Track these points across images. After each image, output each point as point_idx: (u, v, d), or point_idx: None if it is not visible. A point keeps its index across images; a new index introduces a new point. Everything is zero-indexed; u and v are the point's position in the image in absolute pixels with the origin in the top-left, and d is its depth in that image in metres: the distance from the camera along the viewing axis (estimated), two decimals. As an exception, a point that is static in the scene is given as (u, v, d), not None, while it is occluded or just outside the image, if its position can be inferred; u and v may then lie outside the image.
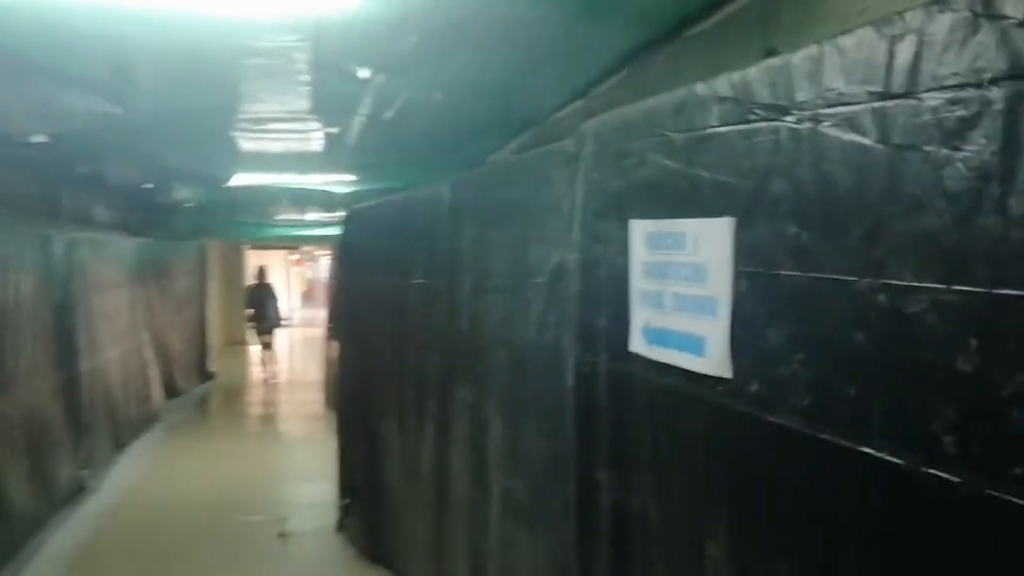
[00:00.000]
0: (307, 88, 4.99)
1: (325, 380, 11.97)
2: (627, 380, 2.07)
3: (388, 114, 5.96)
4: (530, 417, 2.85)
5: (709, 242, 1.73)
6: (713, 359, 1.72)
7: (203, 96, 5.30)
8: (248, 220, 12.73)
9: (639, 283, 1.99)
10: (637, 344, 2.01)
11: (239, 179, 7.93)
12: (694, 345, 1.78)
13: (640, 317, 1.99)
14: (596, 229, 2.21)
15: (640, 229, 1.98)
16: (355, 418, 5.45)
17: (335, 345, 6.36)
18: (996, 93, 1.13)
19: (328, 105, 5.63)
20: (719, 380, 1.70)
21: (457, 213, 3.58)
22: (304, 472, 7.93)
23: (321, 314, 22.86)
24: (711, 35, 3.17)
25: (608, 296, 2.16)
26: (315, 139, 6.86)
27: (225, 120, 5.85)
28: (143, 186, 7.44)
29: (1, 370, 5.45)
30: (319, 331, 21.08)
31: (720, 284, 1.69)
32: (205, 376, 13.22)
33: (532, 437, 2.83)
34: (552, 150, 2.63)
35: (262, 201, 10.54)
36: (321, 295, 24.50)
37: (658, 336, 1.92)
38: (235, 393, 13.21)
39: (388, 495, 4.77)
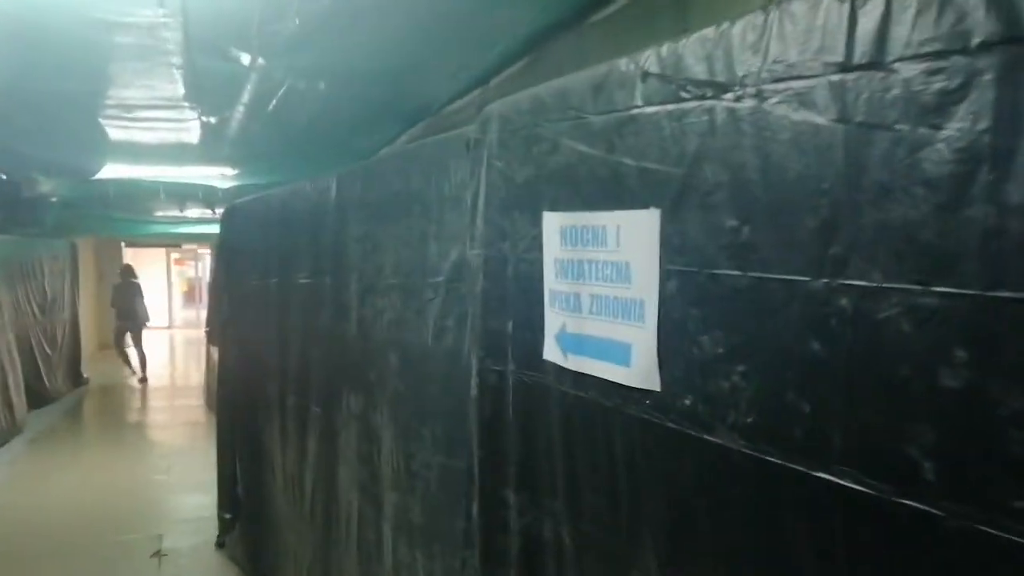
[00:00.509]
0: (180, 72, 4.60)
1: (206, 384, 11.42)
2: (539, 391, 1.85)
3: (270, 104, 5.61)
4: (427, 429, 2.61)
5: (633, 237, 1.53)
6: (639, 369, 1.52)
7: (61, 77, 4.83)
8: (123, 216, 11.97)
9: (553, 283, 1.78)
10: (551, 351, 1.80)
11: (110, 171, 7.36)
12: (617, 353, 1.58)
13: (555, 321, 1.78)
14: (502, 223, 1.99)
15: (554, 223, 1.77)
16: (236, 427, 5.09)
17: (215, 349, 5.92)
18: (986, 61, 0.97)
19: (204, 92, 5.24)
20: (646, 393, 1.50)
21: (344, 207, 3.30)
22: (183, 484, 7.45)
23: (201, 314, 21.99)
24: (619, 19, 2.99)
25: (517, 297, 1.94)
26: (191, 129, 6.42)
27: (90, 106, 5.38)
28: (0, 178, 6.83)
29: None
30: (201, 332, 20.29)
31: (646, 284, 1.50)
32: (77, 382, 12.41)
33: (429, 452, 2.59)
34: (451, 137, 2.40)
35: (137, 196, 9.91)
36: (203, 295, 23.56)
37: (575, 343, 1.71)
38: (110, 399, 12.45)
39: (271, 510, 4.44)
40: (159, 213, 11.60)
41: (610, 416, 1.61)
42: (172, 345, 19.82)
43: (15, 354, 9.63)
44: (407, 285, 2.73)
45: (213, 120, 6.13)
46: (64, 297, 12.43)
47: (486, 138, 2.06)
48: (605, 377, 1.61)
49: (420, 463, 2.65)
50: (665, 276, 1.46)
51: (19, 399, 9.46)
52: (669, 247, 1.45)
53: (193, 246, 21.53)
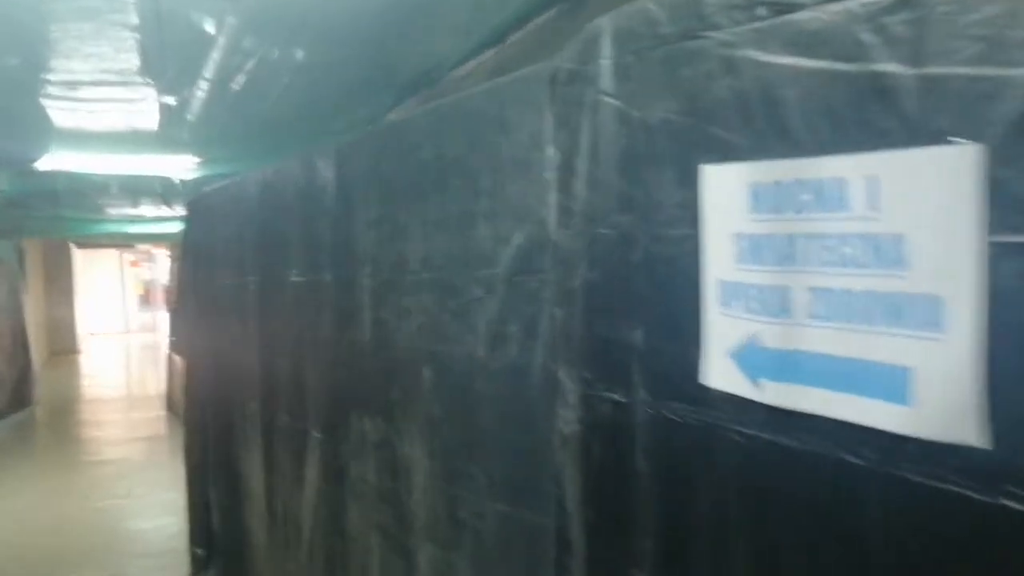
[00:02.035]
0: (134, 38, 3.92)
1: (168, 392, 10.68)
2: (698, 434, 1.25)
3: (237, 78, 4.93)
4: (479, 467, 1.99)
5: (913, 193, 0.93)
6: (932, 410, 0.92)
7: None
8: (73, 215, 11.12)
9: (731, 271, 1.18)
10: (724, 375, 1.20)
11: (56, 162, 6.59)
12: (879, 383, 0.98)
13: (732, 329, 1.18)
14: (622, 186, 1.38)
15: (731, 179, 1.16)
16: (209, 449, 4.42)
17: (180, 360, 5.22)
18: None
19: (162, 64, 4.55)
20: (948, 451, 0.91)
21: (348, 186, 2.67)
22: (146, 507, 6.74)
23: (160, 319, 21.07)
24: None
25: (651, 293, 1.34)
26: (148, 112, 5.71)
27: (28, 82, 4.65)
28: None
29: None
30: (157, 336, 19.40)
31: (948, 270, 0.90)
32: (26, 394, 11.54)
33: (483, 497, 1.98)
34: (513, 80, 1.78)
35: (87, 191, 9.11)
36: (160, 298, 22.63)
37: (780, 364, 1.11)
38: (63, 412, 11.61)
39: (255, 548, 3.79)
40: (111, 211, 10.76)
41: (857, 483, 1.01)
42: (128, 351, 18.91)
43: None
44: (443, 280, 2.11)
45: (172, 101, 5.42)
46: (9, 303, 11.55)
47: (591, 67, 1.44)
48: (849, 420, 1.02)
49: (470, 511, 2.04)
50: (995, 255, 0.86)
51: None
52: (1003, 206, 0.85)
53: (147, 247, 20.60)
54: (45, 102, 5.14)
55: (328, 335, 2.82)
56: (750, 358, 1.15)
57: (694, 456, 1.27)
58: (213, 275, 4.19)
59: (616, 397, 1.41)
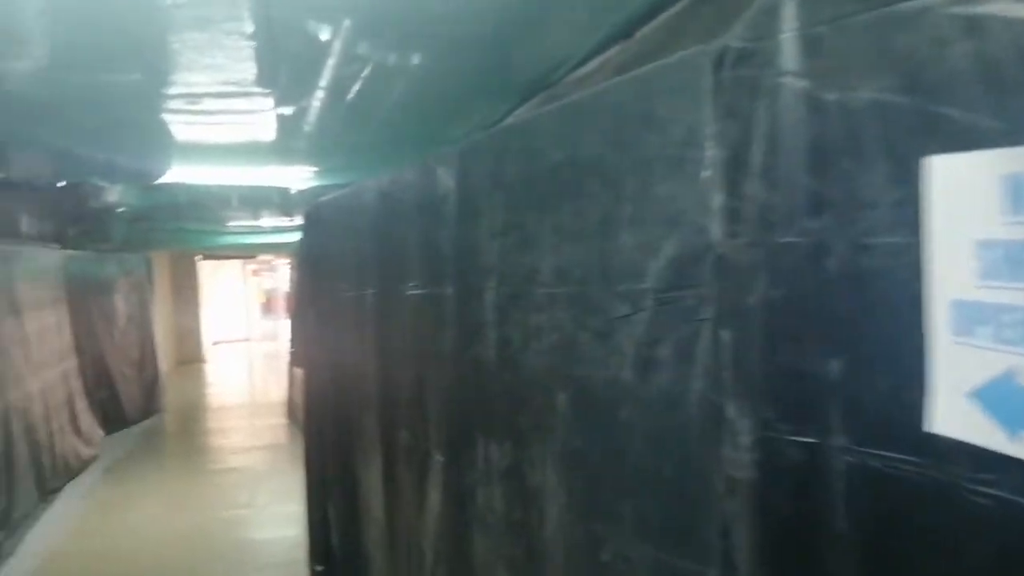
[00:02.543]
0: (250, 47, 3.87)
1: (288, 401, 10.84)
2: (920, 493, 1.00)
3: (353, 87, 4.86)
4: (629, 506, 1.77)
5: None
6: None
7: (115, 62, 4.15)
8: (196, 228, 11.42)
9: (965, 288, 0.92)
10: (961, 420, 0.95)
11: (178, 175, 6.70)
12: None
13: (973, 363, 0.93)
14: (810, 185, 1.14)
15: (973, 172, 0.91)
16: (327, 466, 4.33)
17: (300, 372, 5.17)
18: None
19: (279, 73, 4.51)
20: None
21: (471, 192, 2.49)
22: (268, 518, 6.77)
23: (280, 326, 21.62)
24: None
25: (854, 315, 1.09)
26: (266, 123, 5.72)
27: (151, 98, 4.68)
28: (57, 184, 6.24)
29: None
30: (279, 345, 19.88)
31: None
32: (154, 402, 11.92)
33: (633, 539, 1.75)
34: (675, 64, 1.55)
35: (209, 204, 9.32)
36: (280, 307, 23.24)
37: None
38: (189, 420, 11.94)
39: (375, 571, 3.66)
40: (233, 223, 11.01)
41: None
42: (250, 360, 19.44)
43: (84, 378, 9.12)
44: (580, 295, 1.90)
45: (289, 111, 5.41)
46: (139, 314, 11.96)
47: (768, 44, 1.21)
48: None
49: (616, 553, 1.82)
50: None
51: (91, 425, 8.94)
52: None
53: (269, 257, 21.15)
54: (167, 117, 5.19)
55: (449, 351, 2.65)
56: (1004, 401, 0.89)
57: (913, 519, 1.02)
58: (330, 286, 4.10)
59: (806, 441, 1.17)
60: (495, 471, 2.39)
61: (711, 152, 1.39)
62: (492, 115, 5.02)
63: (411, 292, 2.98)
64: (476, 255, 2.42)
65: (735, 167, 1.30)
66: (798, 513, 1.20)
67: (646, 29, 3.18)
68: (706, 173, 1.42)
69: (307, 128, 5.87)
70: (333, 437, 4.23)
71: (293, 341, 5.15)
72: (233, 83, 4.50)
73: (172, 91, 4.57)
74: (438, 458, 2.79)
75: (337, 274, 4.01)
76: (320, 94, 4.93)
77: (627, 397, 1.74)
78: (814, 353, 1.15)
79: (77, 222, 10.06)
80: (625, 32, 3.31)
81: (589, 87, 2.21)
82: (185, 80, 4.38)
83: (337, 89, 4.90)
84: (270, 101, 5.10)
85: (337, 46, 4.21)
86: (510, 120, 4.04)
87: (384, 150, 6.42)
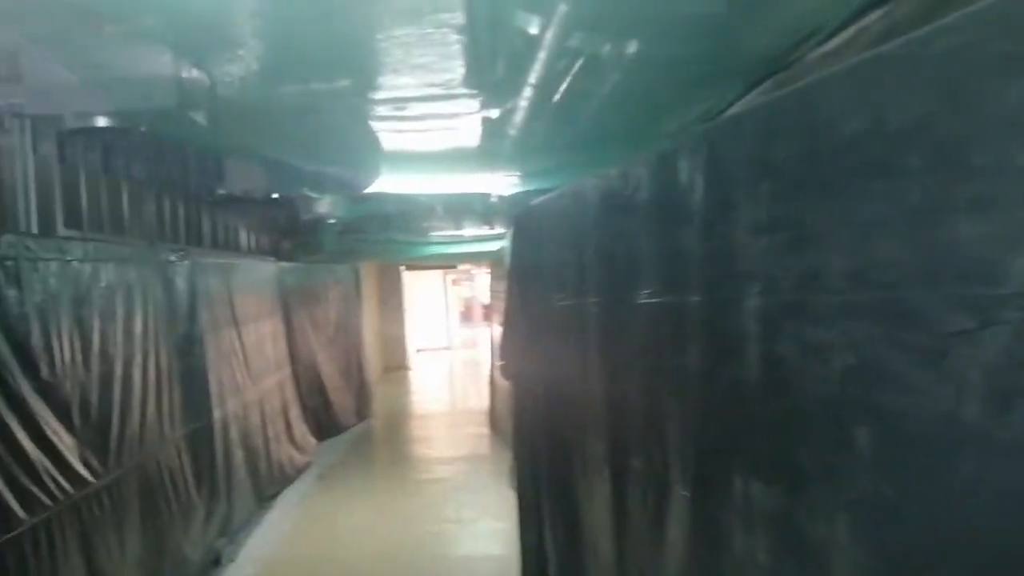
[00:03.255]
0: (460, 42, 3.66)
1: (490, 409, 10.76)
2: None
3: (563, 83, 4.59)
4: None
5: None
6: None
7: (323, 69, 4.07)
8: (402, 239, 11.58)
9: None
10: None
11: (383, 185, 6.68)
12: None
13: None
14: None
15: None
16: (542, 489, 4.04)
17: (511, 386, 4.92)
18: None
19: (487, 71, 4.30)
20: None
21: (723, 182, 2.11)
22: (475, 534, 6.60)
23: (478, 334, 21.86)
24: None
25: None
26: (470, 128, 5.56)
27: (359, 106, 4.60)
28: (271, 196, 6.38)
29: (110, 425, 4.38)
30: (478, 352, 20.07)
31: None
32: (363, 410, 12.20)
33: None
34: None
35: (414, 214, 9.38)
36: (479, 316, 23.54)
37: None
38: (395, 428, 12.13)
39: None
40: (436, 233, 11.09)
41: None
42: (451, 367, 19.73)
43: (298, 387, 9.39)
44: (892, 303, 1.48)
45: (495, 113, 5.22)
46: (348, 323, 12.28)
47: None
48: None
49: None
50: None
51: (304, 433, 9.17)
52: None
53: (468, 267, 21.45)
54: (375, 125, 5.12)
55: (695, 370, 2.27)
56: None
57: None
58: (544, 295, 3.81)
59: None
60: (758, 515, 1.99)
61: None
62: (714, 105, 4.59)
63: (643, 301, 2.63)
64: (731, 256, 2.03)
65: None
66: None
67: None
68: None
69: (512, 132, 5.67)
70: (548, 457, 3.94)
71: (503, 353, 4.95)
72: (439, 85, 4.33)
73: (379, 96, 4.46)
74: (681, 492, 2.41)
75: (551, 282, 3.72)
76: (527, 93, 4.68)
77: (971, 439, 1.31)
78: None
79: (291, 235, 10.44)
80: (873, 3, 2.83)
81: (838, 64, 1.78)
82: (392, 83, 4.25)
83: (545, 87, 4.63)
84: (476, 103, 4.92)
85: (548, 39, 3.94)
86: (730, 115, 3.59)
87: (590, 151, 6.11)
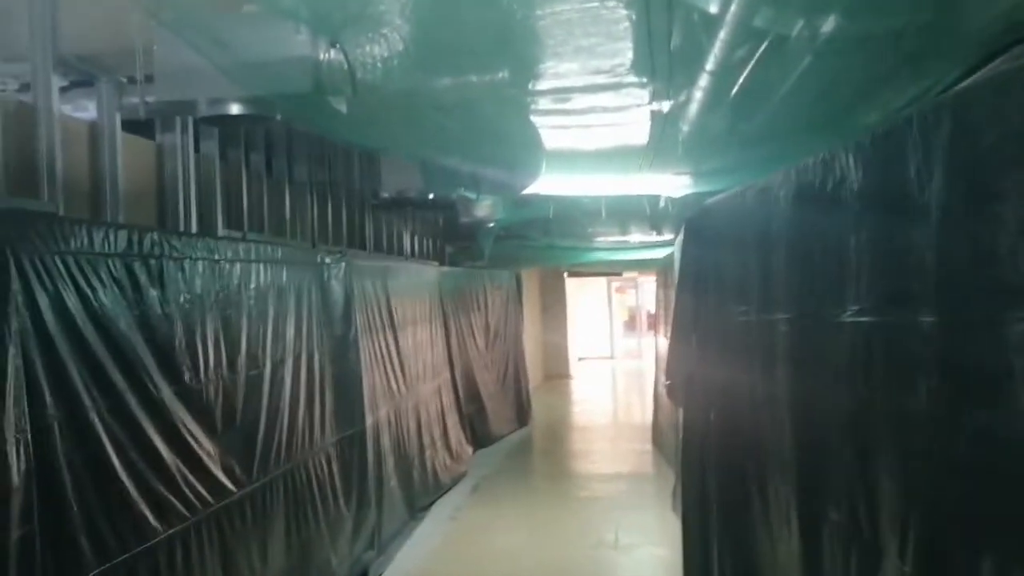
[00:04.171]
0: (628, 19, 3.25)
1: (654, 425, 10.24)
2: None
3: (743, 69, 4.08)
4: None
5: None
6: None
7: (486, 57, 3.75)
8: (563, 244, 11.25)
9: None
10: None
11: (544, 186, 6.30)
12: None
13: None
14: None
15: None
16: (712, 525, 3.55)
17: (680, 409, 4.43)
18: None
19: (658, 57, 3.86)
20: None
21: (975, 168, 1.59)
22: (638, 567, 6.12)
23: (642, 344, 21.22)
24: None
25: None
26: (638, 124, 5.12)
27: (518, 97, 4.26)
28: (428, 197, 6.16)
29: (257, 432, 4.23)
30: (641, 363, 19.45)
31: None
32: (521, 418, 11.92)
33: None
34: None
35: (577, 218, 9.03)
36: (643, 325, 22.92)
37: None
38: (553, 439, 11.77)
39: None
40: (600, 239, 10.68)
41: None
42: (614, 377, 19.24)
43: (456, 393, 9.19)
44: None
45: (665, 107, 4.76)
46: (508, 329, 12.05)
47: None
48: None
49: None
50: None
51: (460, 441, 8.95)
52: None
53: (633, 274, 20.89)
54: (536, 120, 4.77)
55: (930, 411, 1.76)
56: None
57: None
58: (720, 308, 3.33)
59: None
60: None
61: None
62: (922, 90, 3.95)
63: (849, 319, 2.13)
64: (989, 265, 1.52)
65: None
66: None
67: None
68: None
69: (684, 127, 5.17)
70: (720, 492, 3.45)
71: (669, 371, 4.49)
72: (606, 71, 3.92)
73: (540, 86, 4.10)
74: (899, 565, 1.89)
75: (729, 293, 3.24)
76: (703, 82, 4.20)
77: None
78: None
79: (451, 239, 10.31)
80: None
81: None
82: (554, 71, 3.87)
83: (724, 74, 4.14)
84: (645, 94, 4.48)
85: (729, 18, 3.48)
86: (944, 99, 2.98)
87: (772, 147, 5.51)
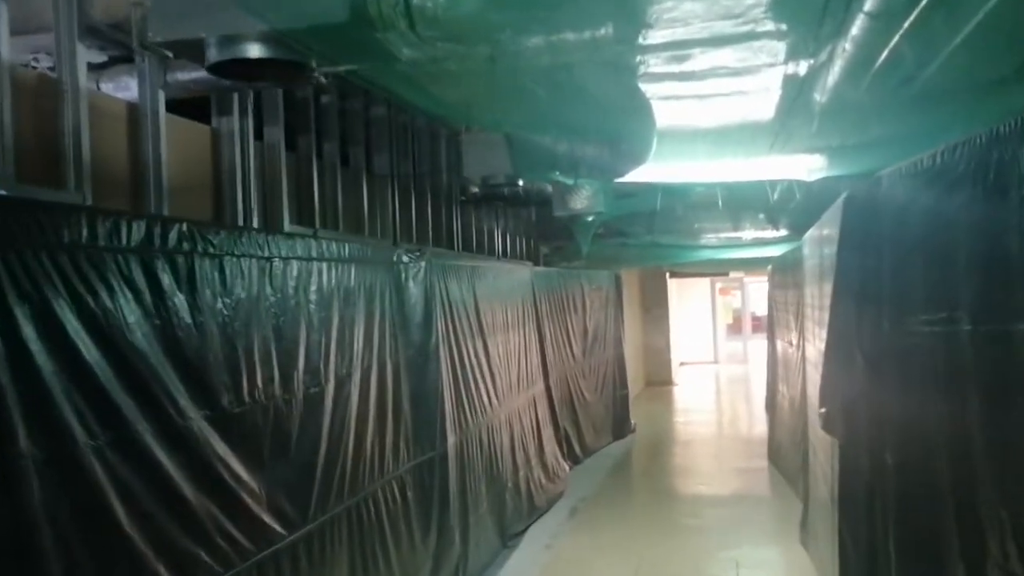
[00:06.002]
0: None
1: (769, 439, 9.31)
2: None
3: (903, 21, 3.24)
4: None
5: None
6: None
7: (586, 7, 3.02)
8: (667, 242, 10.34)
9: None
10: None
11: (649, 172, 5.46)
12: None
13: None
14: None
15: None
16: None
17: (831, 440, 3.55)
18: None
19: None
20: None
21: None
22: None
23: (747, 348, 20.08)
24: None
25: None
26: (766, 92, 4.30)
27: (624, 57, 3.50)
28: (515, 183, 5.48)
29: (315, 464, 3.60)
30: (748, 368, 18.37)
31: None
32: (621, 430, 11.10)
33: None
34: None
35: (684, 212, 8.20)
36: (749, 327, 21.76)
37: None
38: (656, 454, 10.89)
39: None
40: (708, 235, 9.77)
41: None
42: (718, 384, 18.18)
43: (551, 404, 8.44)
44: None
45: (803, 69, 3.93)
46: (607, 334, 11.25)
47: None
48: None
49: None
50: None
51: (556, 457, 8.20)
52: None
53: (739, 274, 19.79)
54: (644, 87, 4.00)
55: None
56: None
57: None
58: (905, 318, 2.49)
59: None
60: None
61: None
62: None
63: None
64: None
65: None
66: None
67: None
68: None
69: (818, 96, 4.33)
70: (902, 554, 2.61)
71: (824, 398, 3.65)
72: (736, 16, 3.12)
73: (652, 40, 3.33)
74: None
75: (918, 298, 2.41)
76: (857, 28, 3.37)
77: None
78: None
79: (547, 238, 9.59)
80: None
81: None
82: (670, 18, 3.10)
83: (877, 24, 3.32)
84: (782, 49, 3.66)
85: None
86: None
87: (926, 120, 4.59)
